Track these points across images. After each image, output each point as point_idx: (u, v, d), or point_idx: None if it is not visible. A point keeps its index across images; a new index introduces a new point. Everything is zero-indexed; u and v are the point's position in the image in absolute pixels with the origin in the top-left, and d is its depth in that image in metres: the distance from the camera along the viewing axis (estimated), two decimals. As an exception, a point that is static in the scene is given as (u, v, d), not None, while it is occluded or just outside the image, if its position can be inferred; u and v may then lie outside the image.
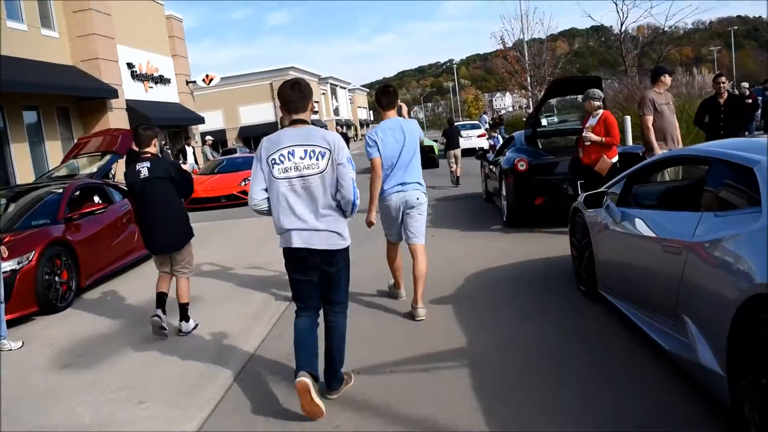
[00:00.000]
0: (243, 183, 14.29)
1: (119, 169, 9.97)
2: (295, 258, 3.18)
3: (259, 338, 4.55)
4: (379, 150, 4.49)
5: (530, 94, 26.53)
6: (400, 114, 4.79)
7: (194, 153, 20.16)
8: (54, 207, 6.81)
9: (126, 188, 5.53)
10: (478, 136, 25.19)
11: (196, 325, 4.91)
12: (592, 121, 6.57)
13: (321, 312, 3.34)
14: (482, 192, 10.93)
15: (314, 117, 5.87)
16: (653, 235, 3.42)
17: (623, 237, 3.88)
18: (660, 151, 6.53)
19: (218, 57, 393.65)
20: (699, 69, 17.32)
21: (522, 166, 7.40)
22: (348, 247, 3.27)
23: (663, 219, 3.44)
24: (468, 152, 25.32)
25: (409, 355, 3.86)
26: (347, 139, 22.37)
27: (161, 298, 4.82)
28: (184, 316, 4.83)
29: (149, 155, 4.78)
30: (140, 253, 7.69)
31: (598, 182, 6.29)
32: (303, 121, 3.17)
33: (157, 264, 4.98)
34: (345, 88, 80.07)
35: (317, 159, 3.06)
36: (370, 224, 4.63)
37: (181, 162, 20.52)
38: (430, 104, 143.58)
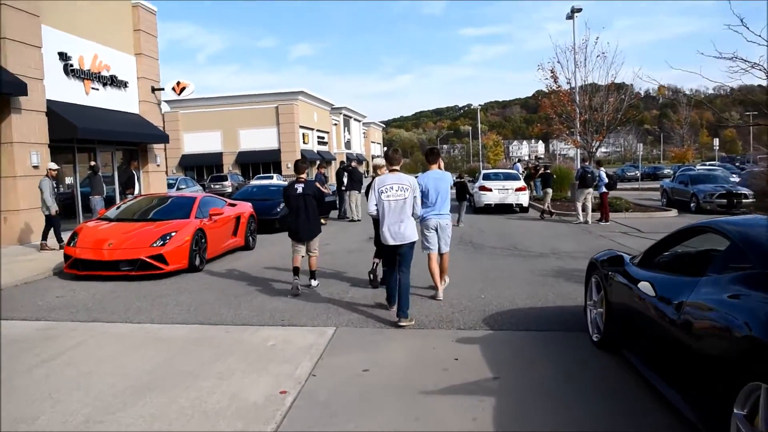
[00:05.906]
0: (160, 242, 8.59)
1: None
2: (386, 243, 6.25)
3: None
4: (423, 190, 6.93)
5: (581, 143, 21.13)
6: (439, 167, 7.38)
7: (139, 179, 14.84)
8: None
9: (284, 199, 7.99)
10: (516, 190, 19.70)
11: (318, 283, 7.96)
12: None
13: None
14: (590, 324, 5.37)
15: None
16: None
17: None
18: None
19: (242, 82, 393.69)
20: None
21: None
22: (414, 241, 6.25)
23: None
24: (504, 208, 19.99)
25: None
26: (360, 176, 18.89)
27: (296, 270, 7.63)
28: (313, 276, 7.99)
29: (303, 179, 7.70)
30: None
31: None
32: (397, 170, 6.32)
33: (295, 247, 7.72)
34: (359, 121, 75.41)
35: (404, 192, 6.14)
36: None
37: (126, 193, 15.05)
38: (446, 146, 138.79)
